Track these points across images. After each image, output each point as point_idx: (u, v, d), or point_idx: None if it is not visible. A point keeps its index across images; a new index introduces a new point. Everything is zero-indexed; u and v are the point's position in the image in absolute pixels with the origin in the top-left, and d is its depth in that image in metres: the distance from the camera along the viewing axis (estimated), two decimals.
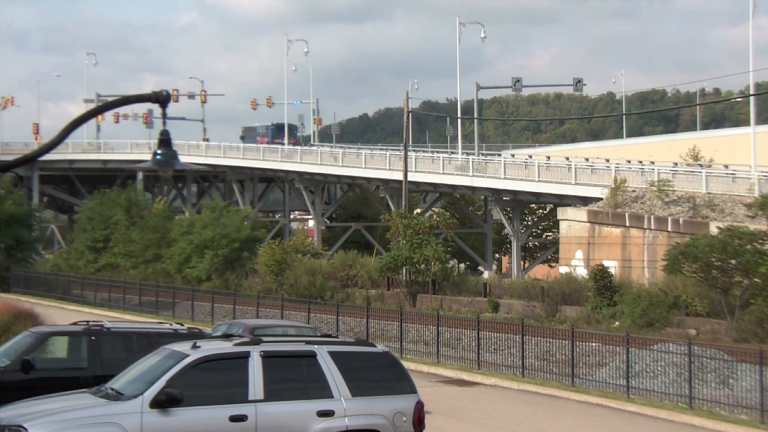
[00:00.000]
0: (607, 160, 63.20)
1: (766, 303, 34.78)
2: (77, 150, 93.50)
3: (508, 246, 73.56)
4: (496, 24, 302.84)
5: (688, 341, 25.82)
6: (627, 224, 49.72)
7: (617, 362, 26.87)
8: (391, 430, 13.77)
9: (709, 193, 49.61)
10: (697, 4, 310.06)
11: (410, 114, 60.37)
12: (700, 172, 52.99)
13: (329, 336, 16.56)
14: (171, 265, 61.00)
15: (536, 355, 29.22)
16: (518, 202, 65.24)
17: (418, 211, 71.88)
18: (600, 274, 43.39)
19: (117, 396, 13.11)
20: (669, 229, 47.56)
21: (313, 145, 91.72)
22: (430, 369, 30.38)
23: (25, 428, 12.23)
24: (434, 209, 73.97)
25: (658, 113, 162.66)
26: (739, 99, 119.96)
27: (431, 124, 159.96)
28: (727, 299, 36.59)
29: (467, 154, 74.06)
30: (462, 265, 73.56)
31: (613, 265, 46.89)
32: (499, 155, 75.71)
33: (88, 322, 18.96)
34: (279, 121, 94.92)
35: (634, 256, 48.86)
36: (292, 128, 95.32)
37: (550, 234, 75.72)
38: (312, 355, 13.85)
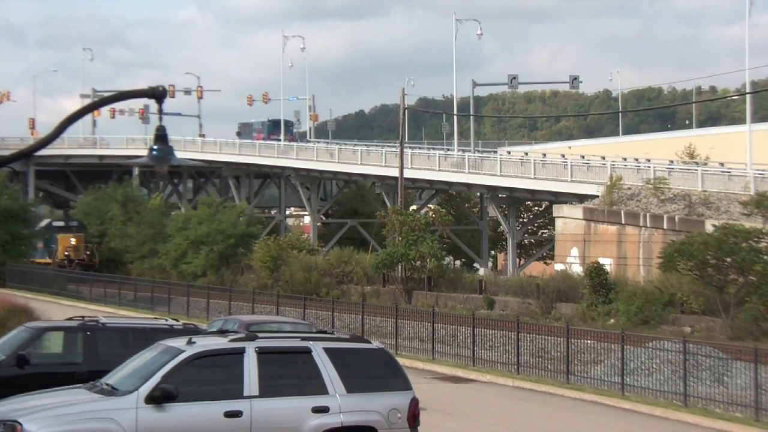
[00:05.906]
0: (603, 158, 63.20)
1: (761, 301, 34.86)
2: (73, 145, 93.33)
3: (504, 243, 73.58)
4: (494, 21, 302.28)
5: (683, 339, 25.85)
6: (623, 222, 49.76)
7: (612, 359, 26.87)
8: (386, 426, 13.77)
9: (705, 191, 49.66)
10: (695, 2, 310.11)
11: (406, 111, 60.35)
12: (696, 170, 53.03)
13: (324, 332, 16.58)
14: (167, 260, 61.00)
15: (531, 353, 29.25)
16: (514, 199, 65.24)
17: (414, 207, 71.89)
18: (595, 271, 43.44)
19: (112, 391, 13.11)
20: (664, 227, 47.62)
21: (309, 142, 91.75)
22: (426, 366, 30.37)
23: (20, 423, 12.23)
24: (430, 206, 74.03)
25: (654, 111, 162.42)
26: (736, 97, 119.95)
27: (427, 121, 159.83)
28: (722, 297, 36.66)
29: (463, 151, 74.05)
30: (458, 262, 73.54)
31: (608, 263, 46.94)
32: (495, 152, 75.68)
33: (83, 317, 18.97)
34: (275, 117, 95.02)
35: (630, 253, 48.91)
36: (289, 124, 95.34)
37: (545, 231, 75.74)
38: (307, 352, 13.85)
